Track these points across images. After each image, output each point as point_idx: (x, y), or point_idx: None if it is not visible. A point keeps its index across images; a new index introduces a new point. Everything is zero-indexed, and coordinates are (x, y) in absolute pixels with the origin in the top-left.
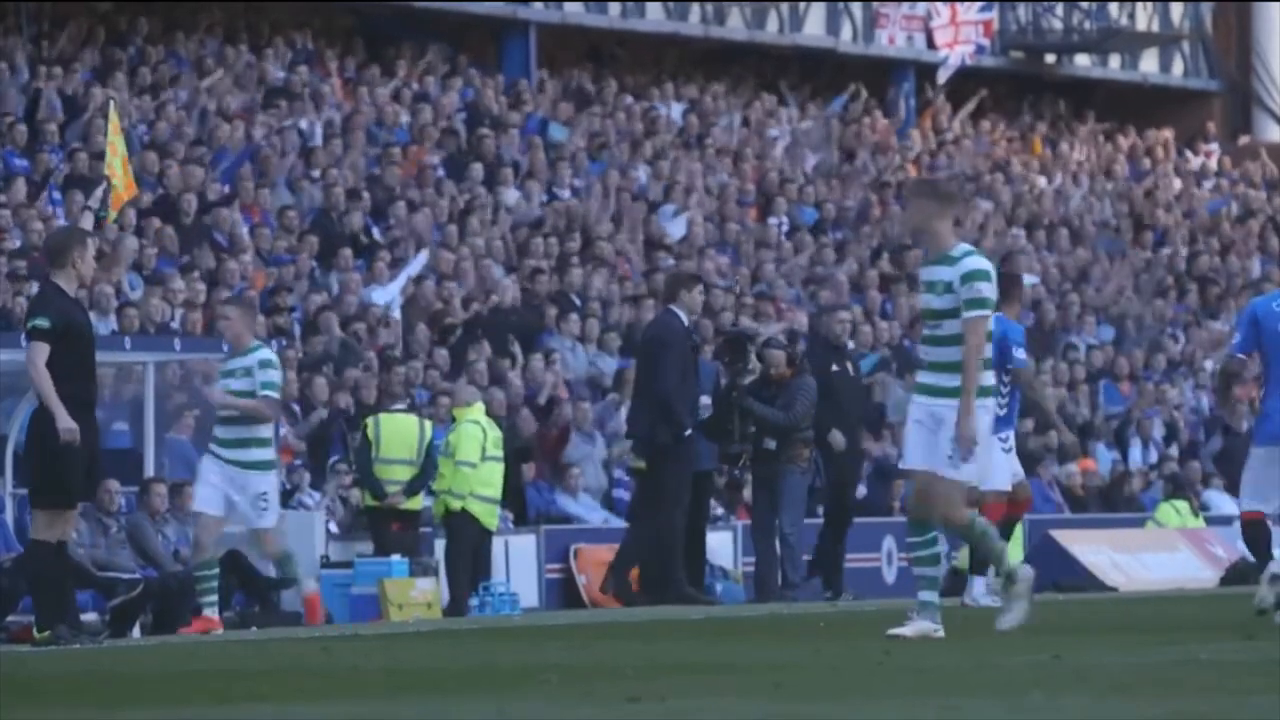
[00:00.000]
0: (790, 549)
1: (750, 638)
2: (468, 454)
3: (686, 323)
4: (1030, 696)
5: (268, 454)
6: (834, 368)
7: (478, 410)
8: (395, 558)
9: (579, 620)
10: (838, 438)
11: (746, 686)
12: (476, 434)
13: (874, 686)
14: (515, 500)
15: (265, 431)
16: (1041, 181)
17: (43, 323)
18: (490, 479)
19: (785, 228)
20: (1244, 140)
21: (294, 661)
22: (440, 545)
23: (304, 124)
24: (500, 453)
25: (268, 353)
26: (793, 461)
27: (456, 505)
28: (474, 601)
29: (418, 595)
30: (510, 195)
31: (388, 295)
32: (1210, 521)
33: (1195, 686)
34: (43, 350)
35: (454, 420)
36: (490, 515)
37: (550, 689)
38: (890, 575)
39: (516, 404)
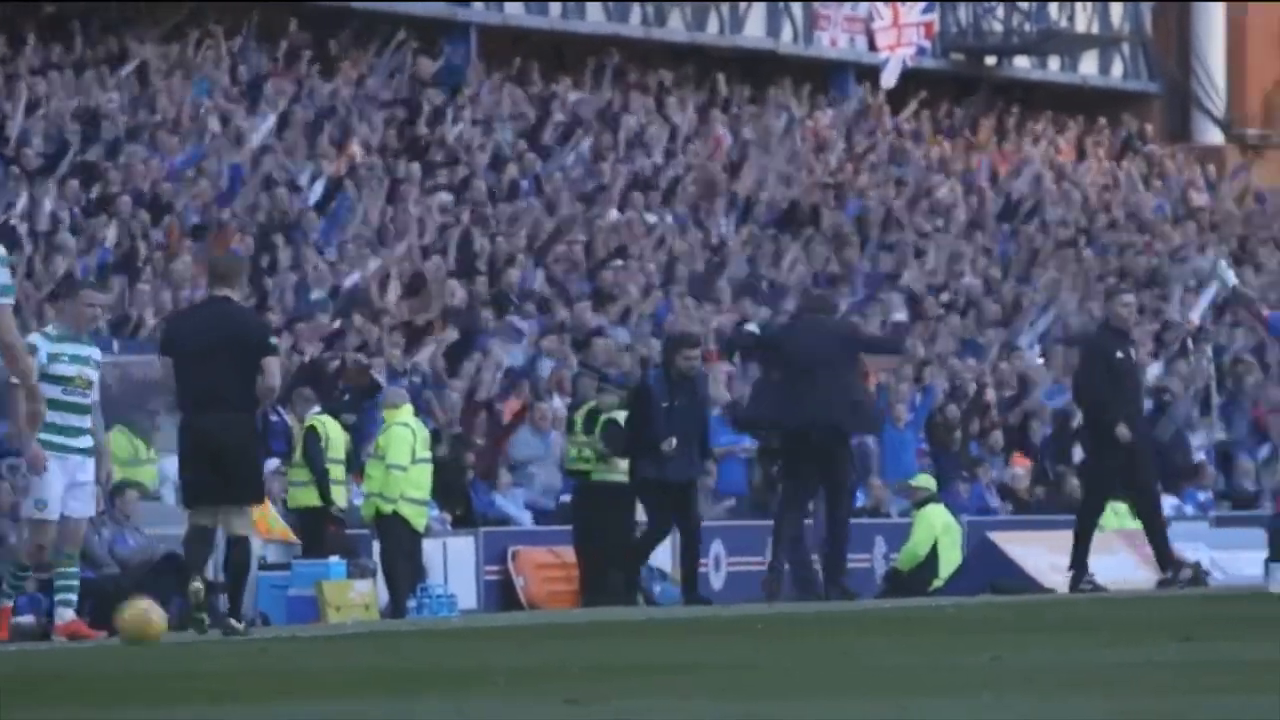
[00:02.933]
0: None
1: (691, 638)
2: (399, 456)
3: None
4: (980, 697)
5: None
6: (1119, 354)
7: (406, 412)
8: (333, 559)
9: (518, 622)
10: (1123, 432)
11: (690, 687)
12: (407, 436)
13: (823, 685)
14: (462, 501)
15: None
16: (983, 180)
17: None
18: (420, 481)
19: (726, 227)
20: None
21: (240, 663)
22: (376, 547)
23: (247, 122)
24: (429, 454)
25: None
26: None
27: (388, 508)
28: (411, 603)
29: (355, 597)
30: (447, 196)
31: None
32: None
33: (1141, 686)
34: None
35: (383, 421)
36: (420, 517)
37: (499, 690)
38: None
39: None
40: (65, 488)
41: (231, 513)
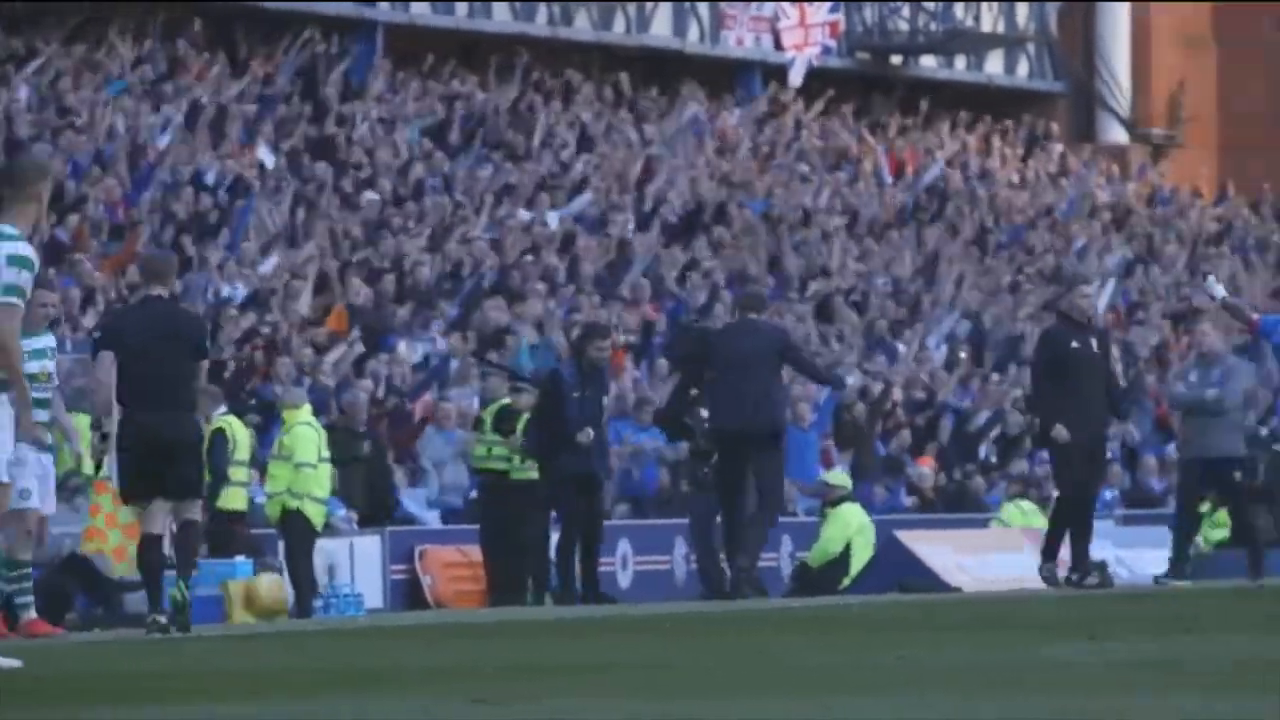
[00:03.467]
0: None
1: (601, 638)
2: (307, 455)
3: None
4: (882, 696)
5: None
6: (1074, 345)
7: (306, 411)
8: (239, 559)
9: (425, 622)
10: (1060, 433)
11: (597, 687)
12: (312, 435)
13: (738, 685)
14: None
15: None
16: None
17: None
18: (324, 480)
19: (631, 223)
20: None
21: (145, 664)
22: (281, 546)
23: (153, 119)
24: (329, 453)
25: None
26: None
27: (293, 505)
28: (318, 603)
29: (263, 596)
30: (364, 194)
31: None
32: None
33: (1041, 686)
34: None
35: (283, 422)
36: (320, 516)
37: (398, 689)
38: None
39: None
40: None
41: (179, 502)
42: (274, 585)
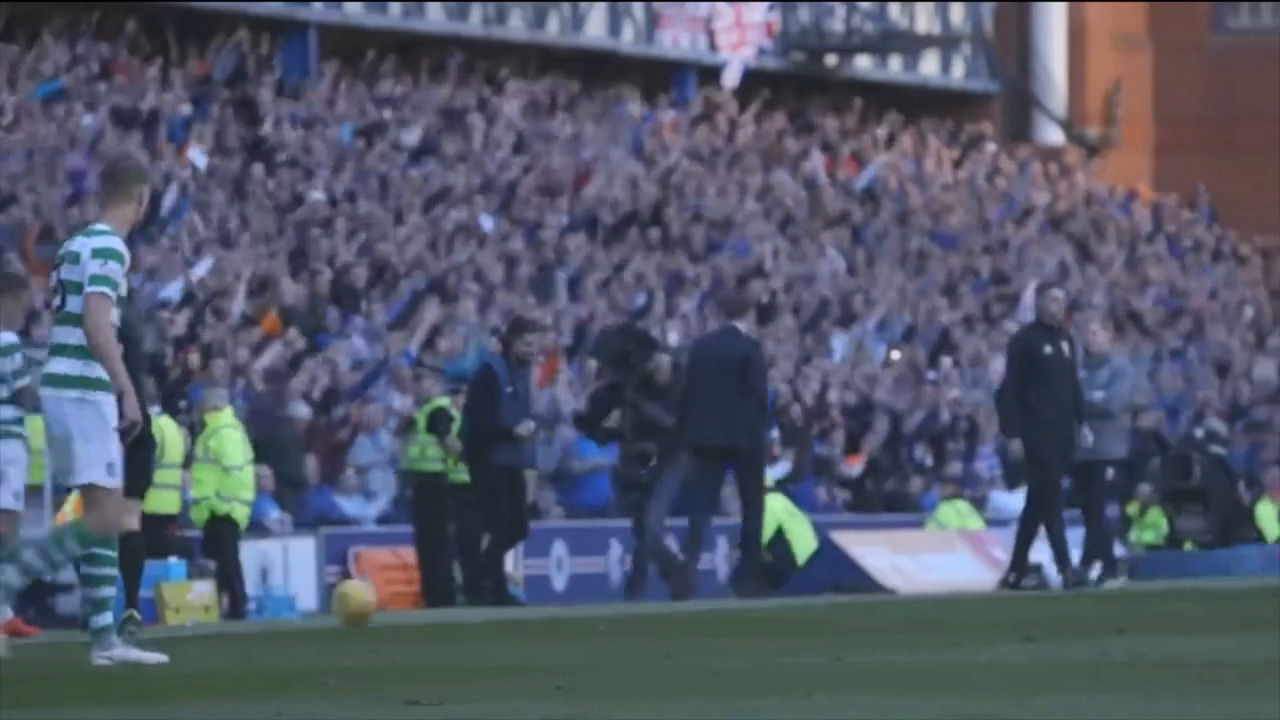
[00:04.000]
0: (653, 552)
1: (532, 640)
2: (234, 458)
3: None
4: (815, 698)
5: None
6: (1046, 349)
7: (229, 413)
8: (172, 561)
9: None
10: (1016, 448)
11: (529, 689)
12: (237, 437)
13: (659, 687)
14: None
15: None
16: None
17: None
18: (249, 482)
19: (565, 224)
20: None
21: (70, 666)
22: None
23: (88, 120)
24: (252, 455)
25: None
26: (675, 467)
27: (223, 509)
28: (252, 605)
29: (195, 599)
30: (310, 194)
31: (173, 291)
32: (991, 523)
33: (977, 687)
34: None
35: (205, 425)
36: (245, 518)
37: (329, 691)
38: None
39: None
40: None
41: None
42: (365, 589)
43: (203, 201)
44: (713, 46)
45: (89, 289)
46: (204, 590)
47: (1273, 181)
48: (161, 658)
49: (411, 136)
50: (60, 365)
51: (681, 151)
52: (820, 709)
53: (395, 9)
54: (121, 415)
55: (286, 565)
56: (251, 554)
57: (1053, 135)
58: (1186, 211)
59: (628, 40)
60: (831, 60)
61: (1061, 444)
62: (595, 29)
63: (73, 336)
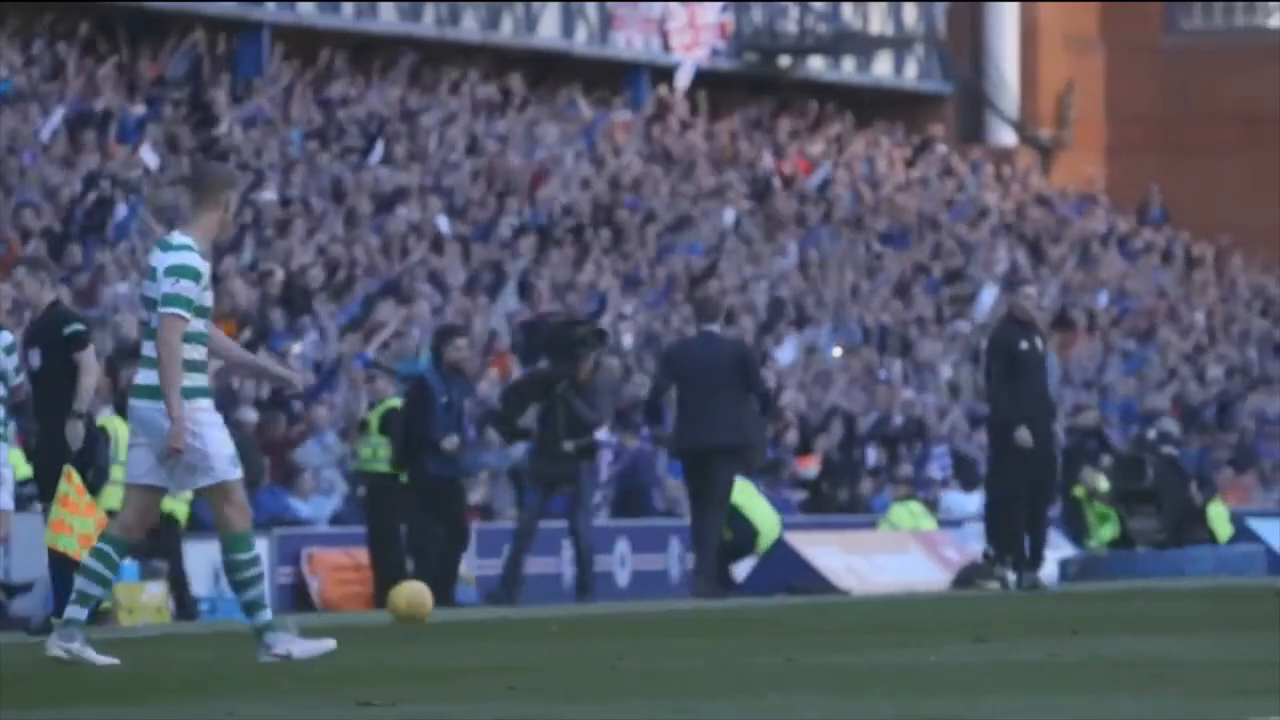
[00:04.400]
0: (589, 550)
1: (485, 641)
2: None
3: None
4: (766, 698)
5: None
6: (1023, 345)
7: None
8: (125, 561)
9: (311, 624)
10: (1024, 436)
11: (480, 689)
12: None
13: (609, 688)
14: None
15: None
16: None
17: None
18: None
19: (516, 227)
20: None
21: (22, 667)
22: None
23: (41, 121)
24: None
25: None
26: (592, 461)
27: (165, 507)
28: (205, 605)
29: (147, 599)
30: (261, 194)
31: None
32: (944, 524)
33: (929, 688)
34: None
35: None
36: (186, 516)
37: (282, 692)
38: (623, 578)
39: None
40: None
41: None
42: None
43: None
44: (666, 47)
45: (161, 309)
46: (156, 591)
47: (1225, 182)
48: (329, 644)
49: (364, 137)
50: (150, 377)
51: (634, 153)
52: (772, 709)
53: (348, 10)
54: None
55: None
56: (204, 555)
57: (1005, 136)
58: (1137, 213)
59: (581, 41)
60: (785, 61)
61: (1039, 439)
62: (548, 30)
63: (155, 350)
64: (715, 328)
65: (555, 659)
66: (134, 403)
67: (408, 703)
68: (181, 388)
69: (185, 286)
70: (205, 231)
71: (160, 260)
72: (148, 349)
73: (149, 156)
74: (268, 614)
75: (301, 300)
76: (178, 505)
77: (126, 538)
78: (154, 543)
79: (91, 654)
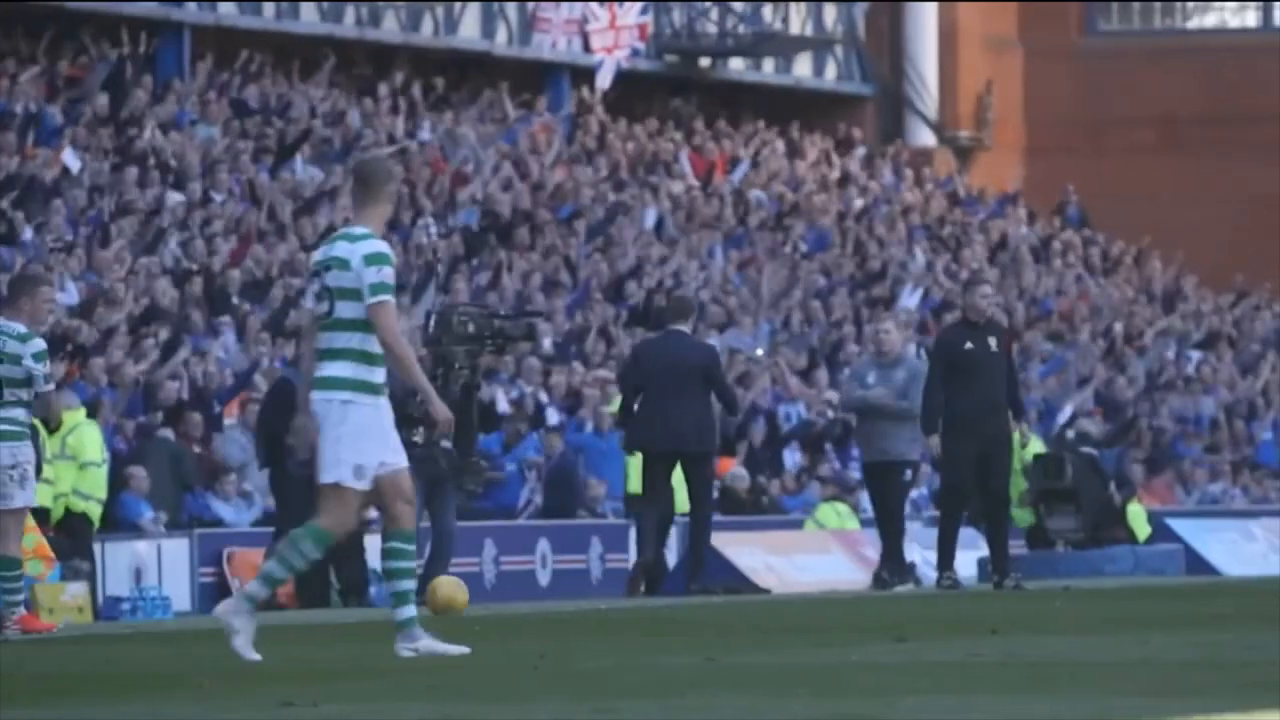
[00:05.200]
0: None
1: None
2: (93, 455)
3: None
4: (686, 698)
5: None
6: (968, 345)
7: (81, 412)
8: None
9: None
10: (935, 443)
11: (401, 689)
12: (96, 435)
13: (530, 688)
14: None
15: None
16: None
17: None
18: (103, 480)
19: (434, 230)
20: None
21: None
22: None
23: None
24: (105, 454)
25: None
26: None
27: (79, 506)
28: (125, 606)
29: (69, 600)
30: (171, 196)
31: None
32: (864, 524)
33: (849, 687)
34: None
35: (62, 422)
36: (98, 516)
37: (204, 692)
38: (545, 578)
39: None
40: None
41: None
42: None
43: (75, 204)
44: (587, 48)
45: (372, 299)
46: (77, 591)
47: (1143, 184)
48: (464, 649)
49: (285, 139)
50: (333, 369)
51: (555, 153)
52: (691, 709)
53: (269, 10)
54: (428, 415)
55: (160, 566)
56: (125, 555)
57: (925, 137)
58: (1055, 214)
59: (501, 42)
60: (705, 62)
61: (981, 441)
62: (469, 31)
63: (344, 341)
64: (685, 328)
65: (477, 658)
66: (313, 395)
67: (330, 702)
68: (368, 383)
69: (388, 274)
70: (378, 223)
71: (350, 251)
72: (332, 340)
73: (70, 159)
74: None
75: (221, 301)
76: (90, 505)
77: (328, 529)
78: (73, 543)
79: (441, 645)
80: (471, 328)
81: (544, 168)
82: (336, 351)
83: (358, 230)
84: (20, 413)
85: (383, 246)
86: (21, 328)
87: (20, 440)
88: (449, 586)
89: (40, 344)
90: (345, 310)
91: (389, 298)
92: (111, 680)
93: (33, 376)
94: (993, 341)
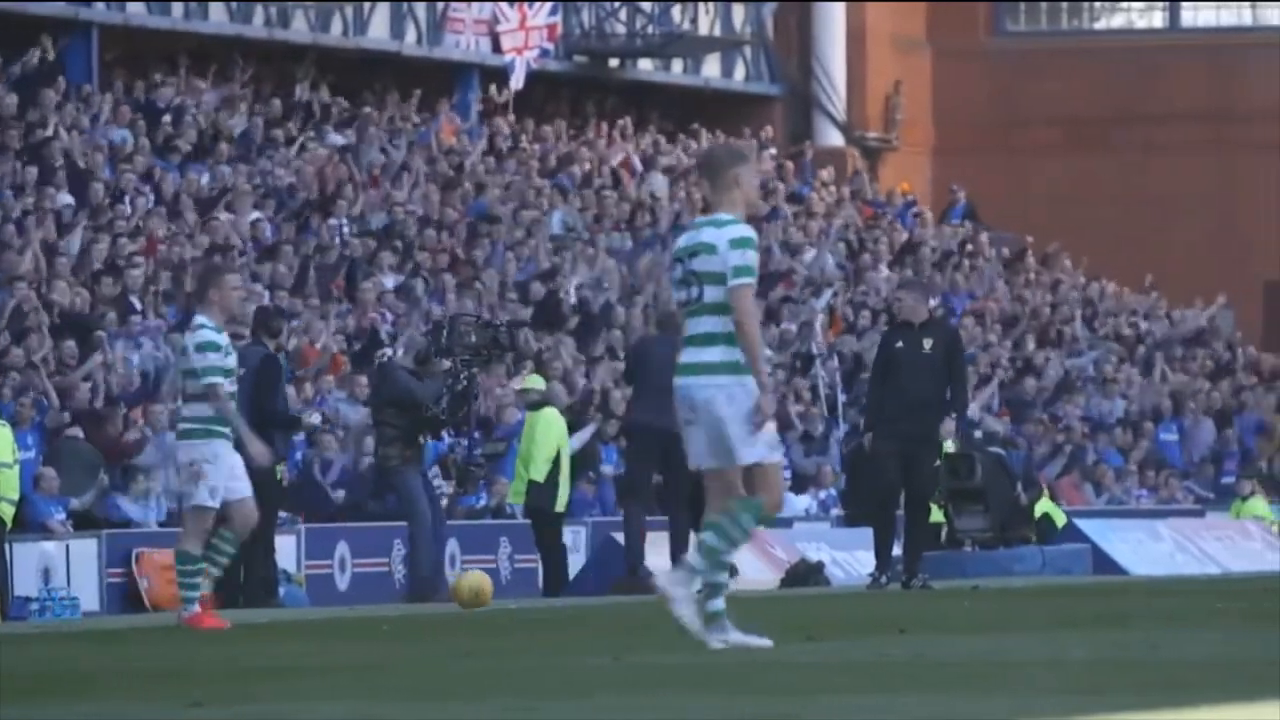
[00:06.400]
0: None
1: (317, 641)
2: (5, 455)
3: None
4: (596, 697)
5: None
6: (898, 345)
7: None
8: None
9: (143, 624)
10: (866, 442)
11: (313, 689)
12: (8, 435)
13: (442, 688)
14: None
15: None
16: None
17: None
18: (15, 481)
19: (346, 231)
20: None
21: None
22: None
23: None
24: (17, 455)
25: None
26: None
27: None
28: (34, 606)
29: None
30: (67, 197)
31: None
32: (772, 523)
33: (758, 687)
34: None
35: None
36: (10, 517)
37: (113, 692)
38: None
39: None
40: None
41: None
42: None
43: None
44: (496, 49)
45: (735, 281)
46: None
47: (1050, 184)
48: (767, 642)
49: (192, 139)
50: (709, 354)
51: (464, 155)
52: (601, 709)
53: (178, 10)
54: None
55: (69, 566)
56: (33, 555)
57: (833, 138)
58: (964, 214)
59: (411, 42)
60: (614, 63)
61: (904, 440)
62: (378, 31)
63: (713, 325)
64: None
65: (388, 658)
66: (686, 381)
67: (242, 703)
68: (743, 364)
69: (751, 257)
70: (734, 208)
71: (716, 236)
72: (701, 325)
73: None
74: (721, 603)
75: (128, 303)
76: (4, 506)
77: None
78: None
79: (749, 639)
80: (473, 337)
81: (453, 168)
82: (710, 336)
83: (723, 216)
84: (197, 409)
85: (748, 231)
86: (206, 321)
87: (199, 438)
88: (476, 579)
89: (204, 334)
90: (712, 294)
91: (751, 280)
92: (19, 681)
93: (195, 370)
94: (927, 343)
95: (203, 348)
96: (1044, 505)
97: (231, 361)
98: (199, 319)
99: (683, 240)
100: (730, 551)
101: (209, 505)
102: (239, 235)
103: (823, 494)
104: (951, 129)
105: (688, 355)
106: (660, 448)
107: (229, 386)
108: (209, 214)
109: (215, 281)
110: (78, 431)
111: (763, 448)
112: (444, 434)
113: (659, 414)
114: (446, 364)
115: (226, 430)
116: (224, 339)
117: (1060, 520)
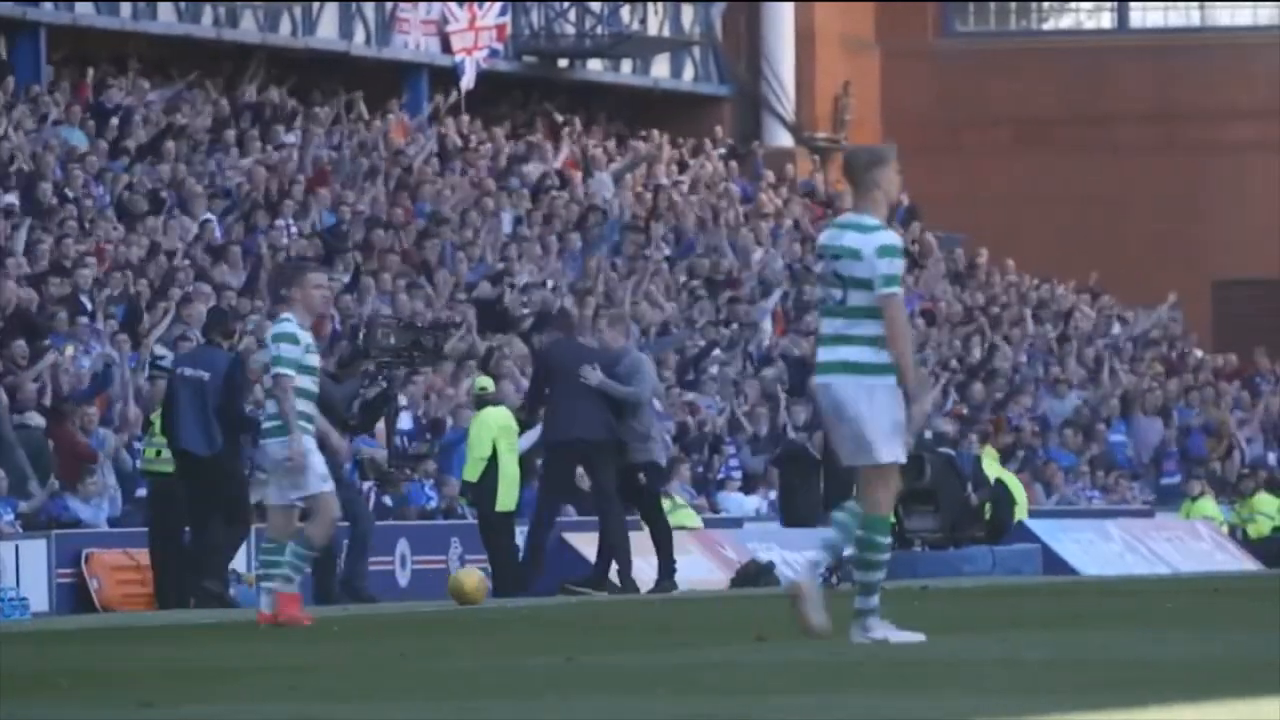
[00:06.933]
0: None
1: (266, 642)
2: None
3: None
4: (545, 698)
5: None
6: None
7: None
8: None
9: (93, 625)
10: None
11: (262, 690)
12: None
13: (390, 688)
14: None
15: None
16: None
17: None
18: None
19: (294, 230)
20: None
21: None
22: None
23: None
24: None
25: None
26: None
27: None
28: None
29: None
30: (8, 198)
31: None
32: (723, 524)
33: (709, 687)
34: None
35: None
36: None
37: (63, 693)
38: (404, 579)
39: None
40: None
41: None
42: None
43: None
44: (446, 49)
45: (885, 290)
46: None
47: (998, 185)
48: (919, 637)
49: (141, 139)
50: (853, 354)
51: (413, 156)
52: (550, 710)
53: (126, 10)
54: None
55: (19, 567)
56: None
57: (782, 139)
58: (910, 215)
59: (360, 42)
60: (563, 63)
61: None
62: (327, 31)
63: (859, 328)
64: (582, 340)
65: (337, 659)
66: (828, 379)
67: (191, 703)
68: (886, 365)
69: (897, 265)
70: (877, 210)
71: (864, 241)
72: (848, 327)
73: None
74: (875, 600)
75: (76, 302)
76: None
77: (883, 513)
78: None
79: (897, 634)
80: (393, 339)
81: (403, 169)
82: (853, 338)
83: (868, 221)
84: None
85: (893, 239)
86: (290, 317)
87: (288, 433)
88: (472, 577)
89: (285, 326)
90: (857, 298)
91: (899, 290)
92: None
93: (304, 365)
94: None
95: (279, 338)
96: (992, 468)
97: (313, 360)
98: (284, 316)
99: (824, 238)
100: (870, 558)
101: (326, 489)
102: (186, 234)
103: (772, 494)
104: (900, 129)
105: (828, 354)
106: (580, 458)
107: (310, 385)
108: (158, 214)
109: (298, 280)
110: (36, 417)
111: (899, 448)
112: (353, 438)
113: (571, 424)
114: (371, 366)
115: (311, 427)
116: (307, 336)
117: (1020, 495)
